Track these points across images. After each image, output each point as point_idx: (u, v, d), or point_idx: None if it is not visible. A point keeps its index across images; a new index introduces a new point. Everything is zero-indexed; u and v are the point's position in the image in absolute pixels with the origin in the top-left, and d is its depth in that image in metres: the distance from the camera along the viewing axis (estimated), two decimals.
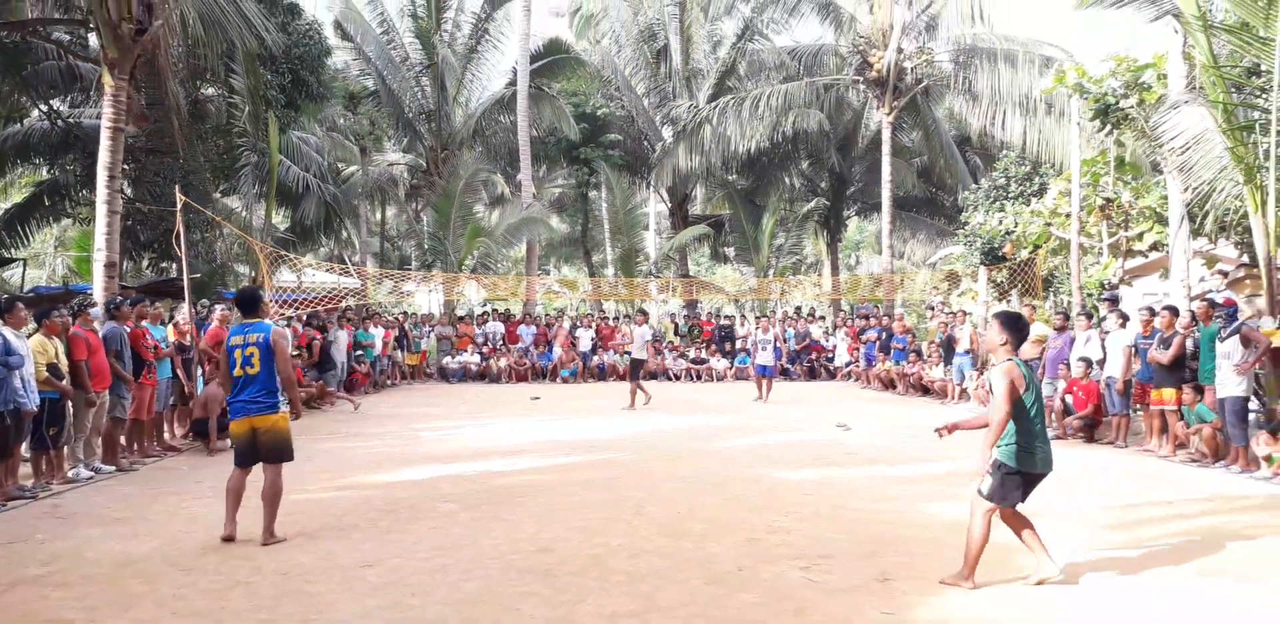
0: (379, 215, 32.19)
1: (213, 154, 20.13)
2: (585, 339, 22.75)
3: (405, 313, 25.83)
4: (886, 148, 25.43)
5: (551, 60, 29.14)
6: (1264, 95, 10.62)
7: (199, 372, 11.62)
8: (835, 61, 28.79)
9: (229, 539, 6.13)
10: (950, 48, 26.69)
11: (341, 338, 17.14)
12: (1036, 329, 13.50)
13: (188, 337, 11.34)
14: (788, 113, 26.51)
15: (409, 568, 5.56)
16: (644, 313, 19.20)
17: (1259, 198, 10.50)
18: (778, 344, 18.06)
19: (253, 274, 19.94)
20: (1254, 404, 10.02)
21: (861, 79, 26.14)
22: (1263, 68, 10.87)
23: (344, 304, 19.72)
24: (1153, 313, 10.99)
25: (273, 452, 6.27)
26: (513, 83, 28.16)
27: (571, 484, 8.38)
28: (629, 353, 17.05)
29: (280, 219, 24.77)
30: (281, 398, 6.30)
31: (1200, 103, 11.23)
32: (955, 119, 28.82)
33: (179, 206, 12.05)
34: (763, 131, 26.88)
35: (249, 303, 6.51)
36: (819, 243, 34.30)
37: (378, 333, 19.50)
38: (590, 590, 5.12)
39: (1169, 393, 10.24)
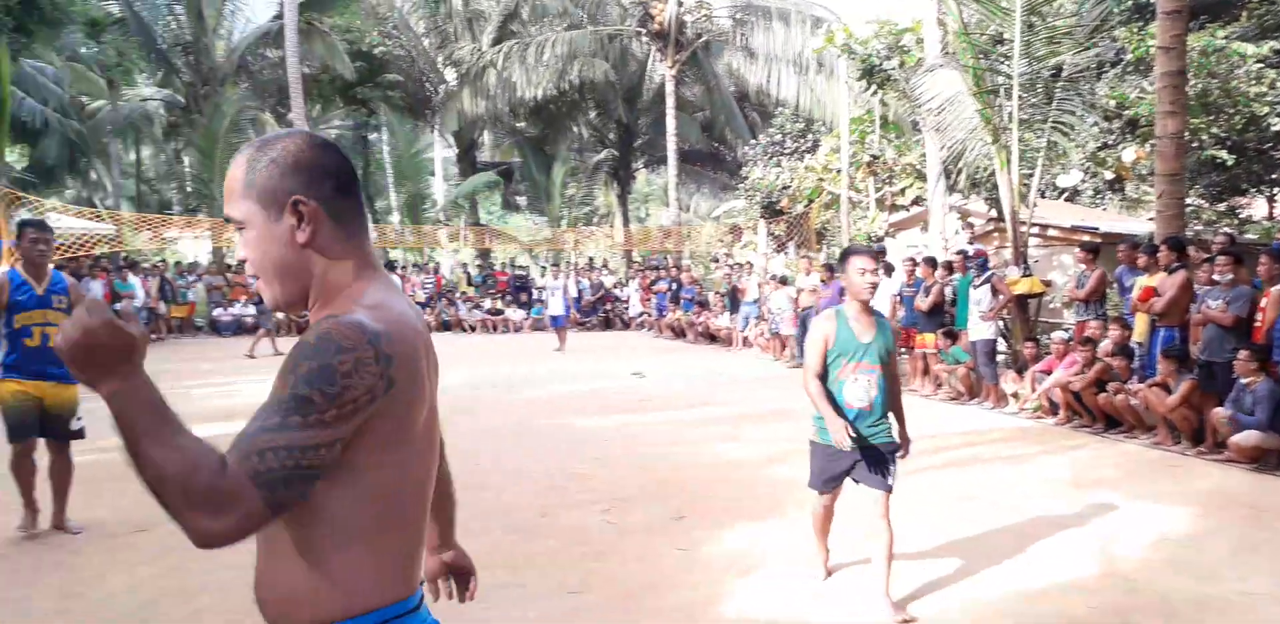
0: (133, 155, 29.36)
1: None
2: None
3: (163, 261, 23.83)
4: (670, 101, 25.82)
5: None
6: (1007, 62, 11.53)
7: None
8: (619, 12, 28.79)
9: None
10: (728, 4, 27.30)
11: (95, 289, 15.66)
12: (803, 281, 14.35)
13: None
14: (573, 61, 26.35)
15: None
16: (390, 266, 19.09)
17: (1004, 157, 11.46)
18: (567, 294, 18.10)
19: None
20: (1003, 346, 11.14)
21: (644, 31, 26.32)
22: (1006, 36, 11.76)
23: (96, 252, 17.96)
24: (915, 263, 11.90)
25: None
26: (280, 16, 26.20)
27: None
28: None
29: (15, 157, 22.09)
30: None
31: (953, 67, 12.00)
32: (734, 75, 29.61)
33: None
34: (549, 79, 26.60)
35: None
36: (609, 194, 34.63)
37: (137, 282, 17.96)
38: None
39: (929, 337, 11.17)
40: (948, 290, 11.11)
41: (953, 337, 10.85)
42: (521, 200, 32.90)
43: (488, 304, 23.03)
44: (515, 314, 22.77)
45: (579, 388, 11.83)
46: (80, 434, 5.33)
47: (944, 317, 11.19)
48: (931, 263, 11.51)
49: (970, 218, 15.15)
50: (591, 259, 27.67)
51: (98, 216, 21.63)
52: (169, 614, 4.14)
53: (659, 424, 9.04)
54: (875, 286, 4.09)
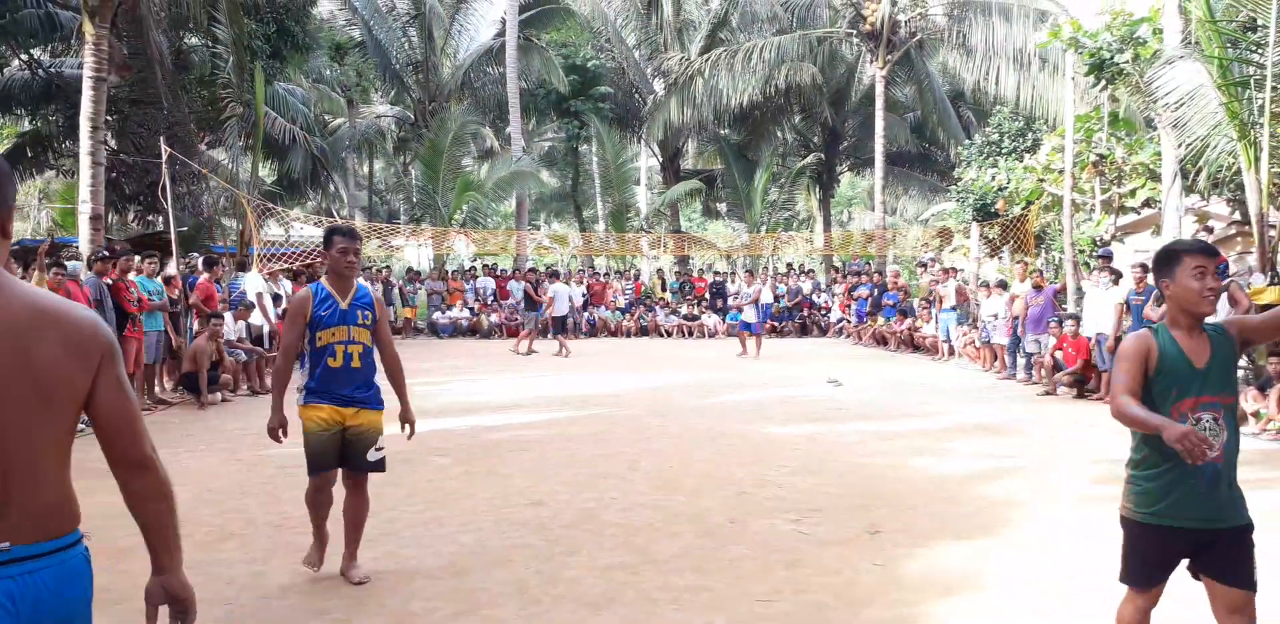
0: (367, 168, 31.84)
1: (197, 105, 19.80)
2: (575, 295, 22.71)
3: (388, 267, 25.66)
4: (880, 102, 25.23)
5: (541, 10, 28.64)
6: (1259, 51, 10.51)
7: (190, 325, 11.60)
8: (829, 14, 28.40)
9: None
10: (944, 1, 26.32)
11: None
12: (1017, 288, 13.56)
13: (176, 291, 11.28)
14: (781, 66, 26.22)
15: (403, 521, 5.59)
16: (555, 274, 20.08)
17: (1253, 154, 10.46)
18: (760, 301, 17.89)
19: (240, 227, 19.75)
20: (1244, 361, 10.10)
21: (855, 32, 25.84)
22: (1259, 22, 10.75)
23: None
24: (1145, 269, 11.00)
25: None
26: (501, 33, 27.69)
27: (563, 439, 8.41)
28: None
29: (267, 172, 24.48)
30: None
31: (1195, 58, 11.11)
32: (949, 74, 28.53)
33: (164, 158, 11.88)
34: (755, 85, 26.62)
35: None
36: (811, 199, 34.18)
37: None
38: (583, 543, 5.16)
39: None
40: None
41: None
42: (722, 207, 33.08)
43: (684, 310, 23.29)
44: (710, 320, 22.90)
45: (772, 394, 11.73)
46: (380, 466, 4.74)
47: None
48: None
49: (1209, 221, 13.85)
50: (790, 264, 27.41)
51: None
52: None
53: (854, 434, 8.81)
54: (1218, 295, 2.95)
